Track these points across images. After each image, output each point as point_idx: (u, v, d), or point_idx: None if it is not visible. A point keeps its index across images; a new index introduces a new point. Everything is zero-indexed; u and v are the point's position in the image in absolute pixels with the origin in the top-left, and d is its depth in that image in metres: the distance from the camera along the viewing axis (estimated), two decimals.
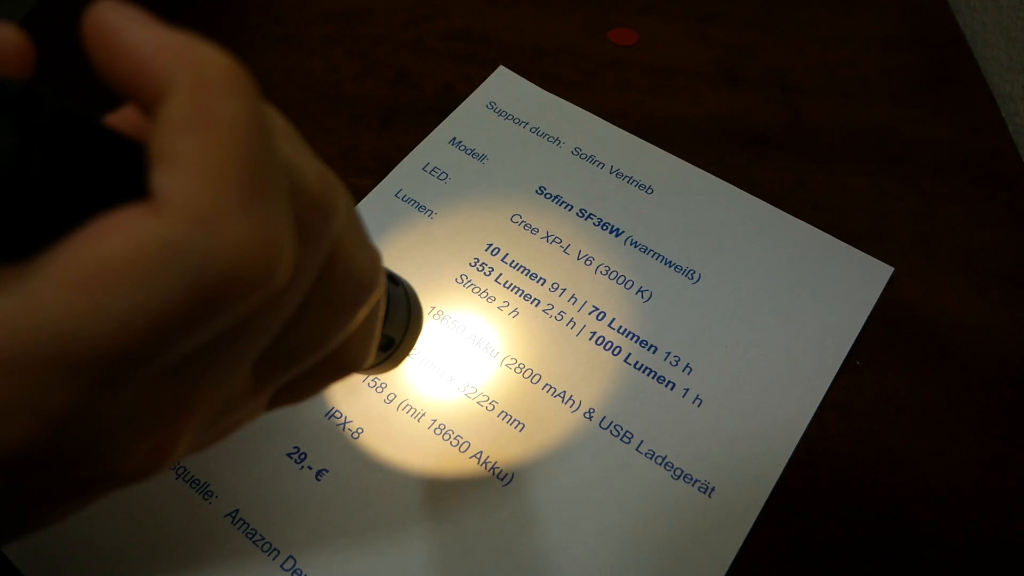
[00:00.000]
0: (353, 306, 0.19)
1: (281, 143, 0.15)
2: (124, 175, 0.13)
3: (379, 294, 0.20)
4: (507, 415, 0.35)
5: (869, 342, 0.39)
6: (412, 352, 0.28)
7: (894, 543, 0.32)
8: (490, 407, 0.35)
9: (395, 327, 0.25)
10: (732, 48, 0.54)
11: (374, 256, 0.20)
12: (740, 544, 0.32)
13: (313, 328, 0.18)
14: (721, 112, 0.49)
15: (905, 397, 0.37)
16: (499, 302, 0.39)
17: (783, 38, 0.55)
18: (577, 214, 0.42)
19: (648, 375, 0.36)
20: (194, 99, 0.13)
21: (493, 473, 0.33)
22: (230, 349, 0.15)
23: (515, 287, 0.39)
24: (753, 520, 0.32)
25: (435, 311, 0.38)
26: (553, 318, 0.38)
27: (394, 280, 0.25)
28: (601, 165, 0.44)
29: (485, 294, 0.39)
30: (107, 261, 0.12)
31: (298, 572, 0.31)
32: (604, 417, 0.35)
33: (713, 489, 0.33)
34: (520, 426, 0.34)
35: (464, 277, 0.39)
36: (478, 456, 0.34)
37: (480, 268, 0.40)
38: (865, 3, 0.58)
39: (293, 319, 0.17)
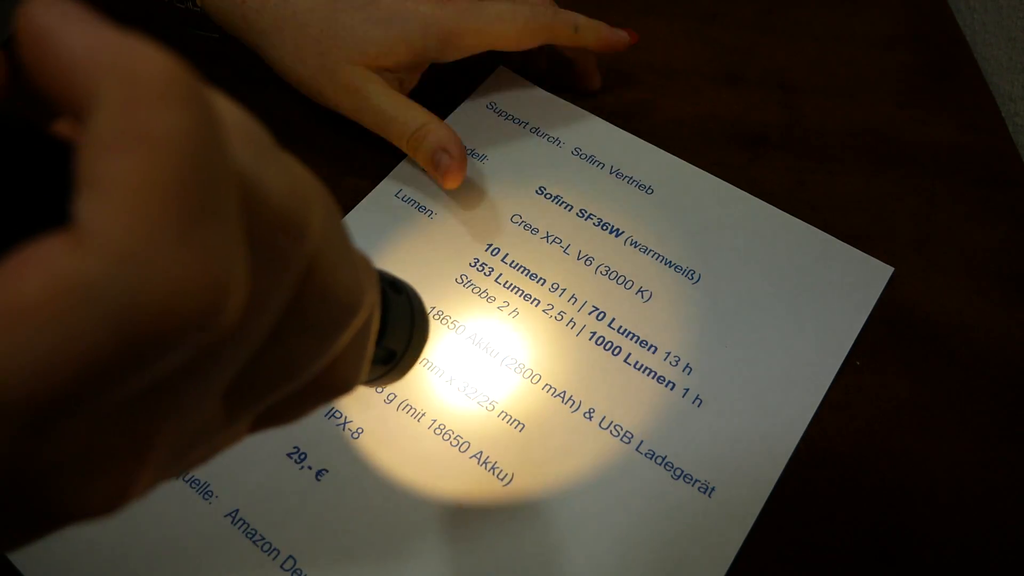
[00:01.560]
0: (334, 330, 0.17)
1: (239, 152, 0.13)
2: (57, 192, 0.11)
3: (366, 313, 0.19)
4: (507, 415, 0.35)
5: (869, 342, 0.39)
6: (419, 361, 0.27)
7: (894, 544, 0.32)
8: (490, 407, 0.35)
9: (397, 339, 0.23)
10: (732, 48, 0.54)
11: (360, 272, 0.18)
12: (740, 544, 0.32)
13: (288, 356, 0.16)
14: (721, 112, 0.49)
15: (905, 397, 0.37)
16: (499, 302, 0.39)
17: (783, 38, 0.55)
18: (577, 214, 0.42)
19: (648, 375, 0.36)
20: (123, 112, 0.11)
21: (493, 473, 0.33)
22: (185, 386, 0.14)
23: (515, 287, 0.39)
24: (753, 520, 0.32)
25: (435, 311, 0.38)
26: (553, 318, 0.38)
27: (396, 288, 0.24)
28: (601, 165, 0.44)
29: (485, 294, 0.39)
30: (19, 302, 0.11)
31: (299, 572, 0.31)
32: (604, 417, 0.35)
33: (713, 489, 0.33)
34: (520, 426, 0.34)
35: (464, 277, 0.39)
36: (478, 456, 0.34)
37: (480, 268, 0.40)
38: (865, 3, 0.57)
39: (263, 348, 0.15)
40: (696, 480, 0.33)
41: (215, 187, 0.12)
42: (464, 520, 0.32)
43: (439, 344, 0.37)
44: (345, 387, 0.19)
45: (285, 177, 0.15)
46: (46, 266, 0.11)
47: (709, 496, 0.33)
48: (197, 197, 0.11)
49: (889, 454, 0.35)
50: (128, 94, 0.11)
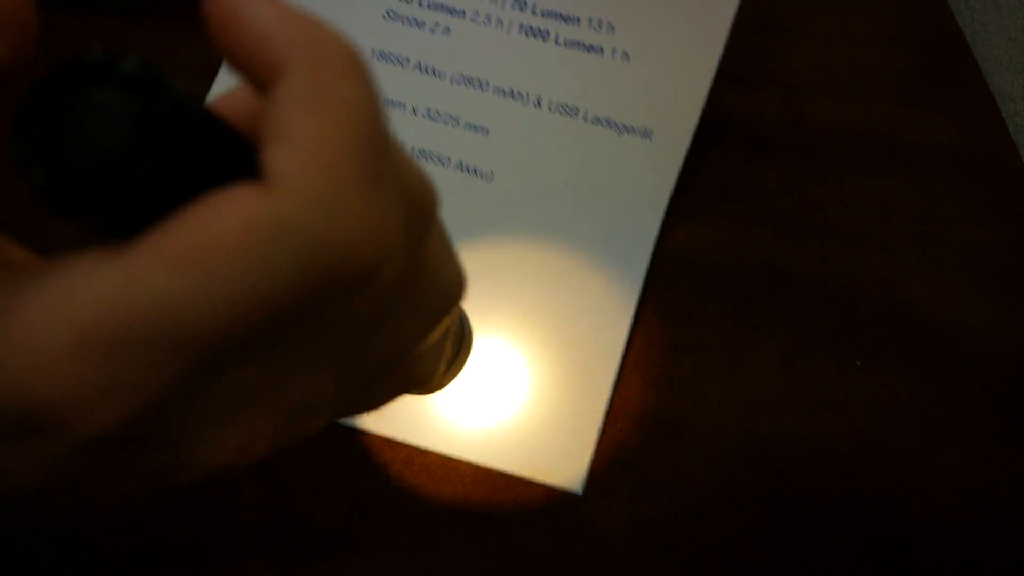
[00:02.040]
0: (436, 316, 0.18)
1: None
2: (233, 160, 0.13)
3: (457, 309, 0.19)
4: (470, 124, 0.38)
5: (869, 342, 0.39)
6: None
7: (894, 543, 0.32)
8: (454, 123, 0.39)
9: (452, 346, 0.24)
10: (732, 48, 0.54)
11: (460, 266, 0.18)
12: (679, 170, 0.38)
13: (395, 337, 0.17)
14: (721, 112, 0.49)
15: (905, 397, 0.37)
16: (429, 25, 0.41)
17: (783, 38, 0.55)
18: None
19: (577, 48, 0.38)
20: (314, 77, 0.13)
21: (475, 174, 0.37)
22: (327, 344, 0.15)
23: (439, 6, 0.41)
24: (686, 150, 0.38)
25: (376, 53, 0.41)
26: (482, 24, 0.40)
27: None
28: None
29: (414, 21, 0.41)
30: (216, 240, 0.11)
31: None
32: (551, 100, 0.38)
33: (651, 132, 0.37)
34: (485, 132, 0.38)
35: (391, 12, 0.41)
36: (460, 164, 0.37)
37: None
38: (865, 3, 0.57)
39: (379, 326, 0.16)
40: (636, 129, 0.37)
41: (385, 154, 0.13)
42: (448, 216, 0.34)
43: (387, 79, 0.40)
44: (423, 381, 0.20)
45: (416, 166, 0.15)
46: (241, 207, 0.12)
47: (650, 139, 0.37)
48: (374, 159, 0.13)
49: (889, 454, 0.35)
50: (319, 62, 0.13)
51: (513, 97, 0.38)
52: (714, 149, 0.47)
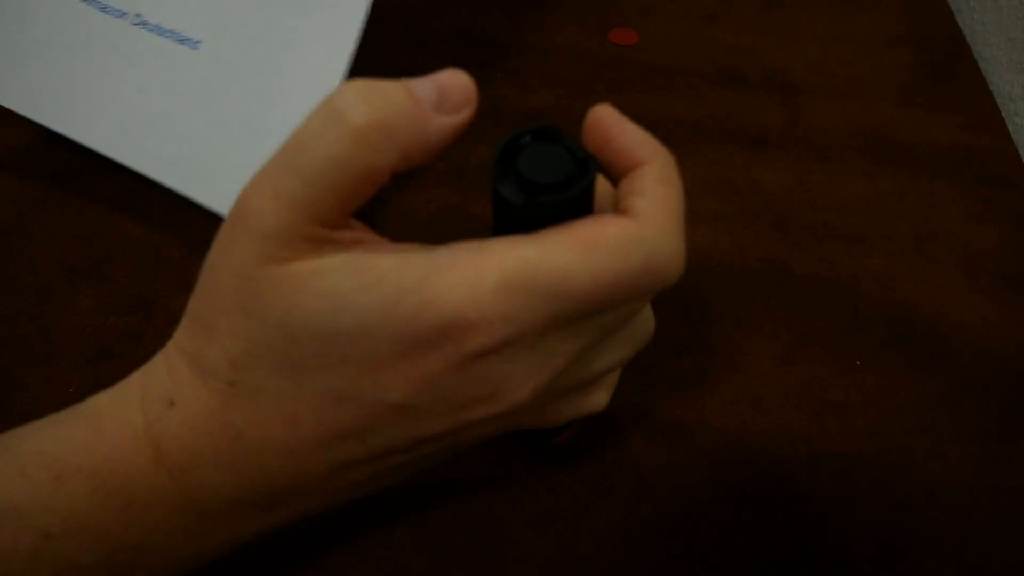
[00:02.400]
0: (633, 349, 0.26)
1: None
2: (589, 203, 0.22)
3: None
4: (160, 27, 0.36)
5: (869, 342, 0.39)
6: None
7: (894, 543, 0.32)
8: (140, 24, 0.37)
9: None
10: (732, 48, 0.54)
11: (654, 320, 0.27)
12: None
13: (610, 354, 0.25)
14: (721, 112, 0.49)
15: (905, 397, 0.37)
16: None
17: (783, 38, 0.55)
18: None
19: None
20: (664, 168, 0.22)
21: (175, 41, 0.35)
22: (606, 334, 0.23)
23: None
24: None
25: None
26: None
27: None
28: None
29: None
30: (603, 238, 0.20)
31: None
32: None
33: None
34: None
35: None
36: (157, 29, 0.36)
37: None
38: (865, 3, 0.58)
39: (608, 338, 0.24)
40: None
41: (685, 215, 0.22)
42: None
43: None
44: (597, 407, 0.27)
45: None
46: (619, 224, 0.20)
47: None
48: (684, 216, 0.22)
49: (889, 454, 0.35)
50: (666, 161, 0.22)
51: None
52: (714, 149, 0.47)
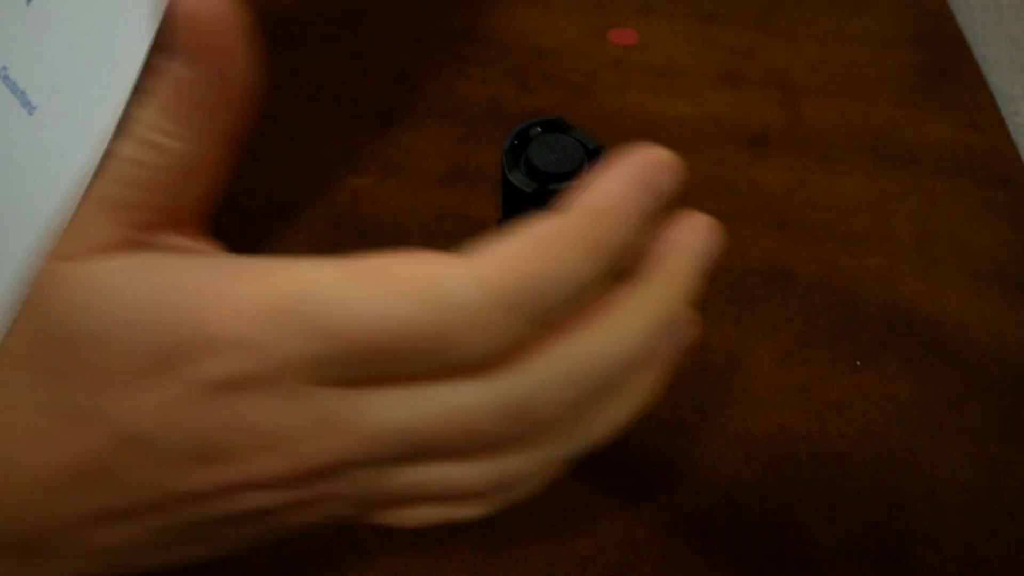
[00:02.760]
0: (496, 476, 0.21)
1: None
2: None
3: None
4: None
5: (869, 342, 0.39)
6: None
7: (894, 543, 0.32)
8: None
9: None
10: (732, 48, 0.54)
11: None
12: None
13: (438, 467, 0.19)
14: (721, 112, 0.49)
15: (905, 397, 0.37)
16: None
17: (783, 38, 0.55)
18: None
19: None
20: (580, 223, 0.17)
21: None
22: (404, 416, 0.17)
23: None
24: None
25: None
26: None
27: None
28: None
29: None
30: (409, 270, 0.16)
31: None
32: None
33: None
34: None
35: None
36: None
37: None
38: (865, 3, 0.58)
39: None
40: None
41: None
42: None
43: None
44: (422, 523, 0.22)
45: None
46: (432, 263, 0.17)
47: None
48: (553, 288, 0.17)
49: (889, 454, 0.35)
50: (587, 220, 0.17)
51: None
52: (714, 149, 0.47)
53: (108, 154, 0.18)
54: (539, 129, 0.23)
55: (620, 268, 0.18)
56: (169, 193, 0.18)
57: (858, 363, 0.38)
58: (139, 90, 0.18)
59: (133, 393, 0.17)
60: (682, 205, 0.47)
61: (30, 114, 0.25)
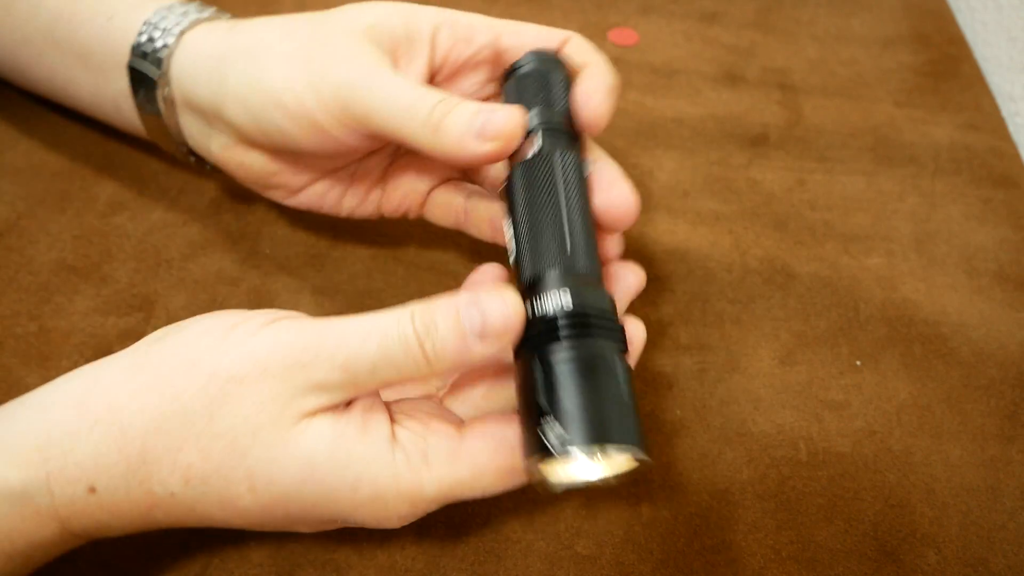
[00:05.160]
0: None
1: None
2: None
3: None
4: None
5: (869, 342, 0.39)
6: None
7: (894, 543, 0.32)
8: None
9: None
10: (732, 48, 0.54)
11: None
12: None
13: None
14: (721, 112, 0.49)
15: (905, 397, 0.37)
16: None
17: (783, 38, 0.55)
18: None
19: None
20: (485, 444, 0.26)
21: None
22: None
23: None
24: None
25: None
26: None
27: None
28: None
29: None
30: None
31: None
32: None
33: None
34: None
35: None
36: None
37: None
38: (865, 3, 0.58)
39: None
40: None
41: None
42: None
43: None
44: None
45: None
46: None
47: None
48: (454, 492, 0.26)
49: (889, 454, 0.35)
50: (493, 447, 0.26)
51: None
52: (714, 149, 0.47)
53: (364, 358, 0.24)
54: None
55: None
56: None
57: (858, 363, 0.38)
58: None
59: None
60: (683, 205, 0.47)
61: None
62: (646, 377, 0.37)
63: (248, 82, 0.30)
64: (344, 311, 0.38)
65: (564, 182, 0.27)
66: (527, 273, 0.26)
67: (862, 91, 0.51)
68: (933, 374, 0.38)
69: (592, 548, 0.32)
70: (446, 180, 0.36)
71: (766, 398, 0.36)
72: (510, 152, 0.28)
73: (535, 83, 0.31)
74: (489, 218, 0.34)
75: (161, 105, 0.33)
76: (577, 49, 0.32)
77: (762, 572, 0.31)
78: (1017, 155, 0.48)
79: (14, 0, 0.36)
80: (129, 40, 0.33)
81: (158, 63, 0.33)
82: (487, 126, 0.27)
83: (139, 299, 0.38)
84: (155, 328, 0.38)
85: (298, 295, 0.39)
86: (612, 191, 0.29)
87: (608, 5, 0.56)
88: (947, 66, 0.53)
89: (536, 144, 0.29)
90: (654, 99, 0.50)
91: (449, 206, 0.35)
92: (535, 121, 0.29)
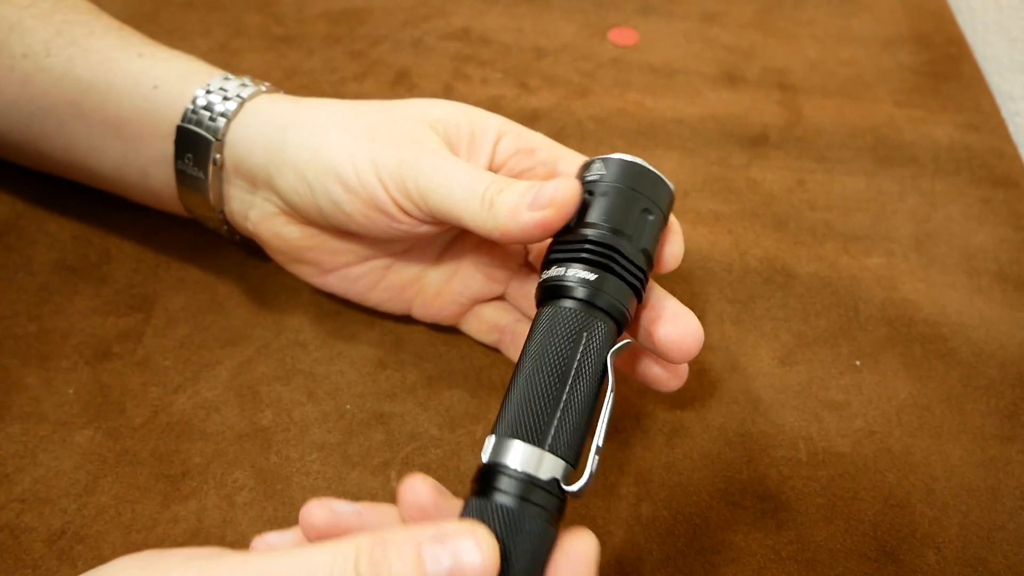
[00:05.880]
0: None
1: None
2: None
3: None
4: None
5: (869, 342, 0.39)
6: None
7: (894, 543, 0.32)
8: None
9: None
10: (732, 48, 0.54)
11: None
12: None
13: None
14: (721, 112, 0.49)
15: (905, 397, 0.37)
16: None
17: (783, 38, 0.55)
18: None
19: None
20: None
21: None
22: None
23: None
24: None
25: None
26: None
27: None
28: None
29: None
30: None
31: None
32: None
33: None
34: None
35: None
36: None
37: None
38: (865, 3, 0.58)
39: None
40: None
41: None
42: None
43: None
44: None
45: None
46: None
47: None
48: None
49: (889, 454, 0.35)
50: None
51: None
52: (714, 149, 0.47)
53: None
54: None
55: None
56: None
57: (858, 363, 0.38)
58: None
59: None
60: (682, 205, 0.47)
61: None
62: None
63: (309, 149, 0.31)
64: (342, 311, 0.38)
65: (579, 363, 0.26)
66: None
67: (862, 91, 0.51)
68: (933, 374, 0.38)
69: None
70: (492, 298, 0.36)
71: (766, 398, 0.36)
72: (563, 220, 0.27)
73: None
74: None
75: (209, 169, 0.33)
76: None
77: (762, 572, 0.31)
78: (1017, 155, 0.48)
79: (35, 72, 0.35)
80: (179, 106, 0.33)
81: (214, 129, 0.32)
82: (539, 195, 0.27)
83: (139, 299, 0.38)
84: (154, 327, 0.38)
85: (297, 295, 0.39)
86: (679, 323, 0.28)
87: (608, 5, 0.56)
88: (947, 66, 0.53)
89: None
90: (654, 99, 0.50)
91: (494, 323, 0.35)
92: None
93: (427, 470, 0.33)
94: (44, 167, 0.39)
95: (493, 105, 0.49)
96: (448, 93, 0.49)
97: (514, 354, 0.34)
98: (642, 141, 0.47)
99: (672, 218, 0.30)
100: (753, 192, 0.45)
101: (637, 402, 0.36)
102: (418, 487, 0.24)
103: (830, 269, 0.42)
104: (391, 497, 0.33)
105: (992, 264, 0.42)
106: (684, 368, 0.31)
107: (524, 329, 0.33)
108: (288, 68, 0.50)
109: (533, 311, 0.28)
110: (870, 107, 0.50)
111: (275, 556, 0.20)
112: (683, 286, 0.40)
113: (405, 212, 0.30)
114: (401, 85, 0.50)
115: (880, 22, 0.56)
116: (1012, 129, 0.50)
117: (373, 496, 0.33)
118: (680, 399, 0.36)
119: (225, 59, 0.50)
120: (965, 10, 0.58)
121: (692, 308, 0.39)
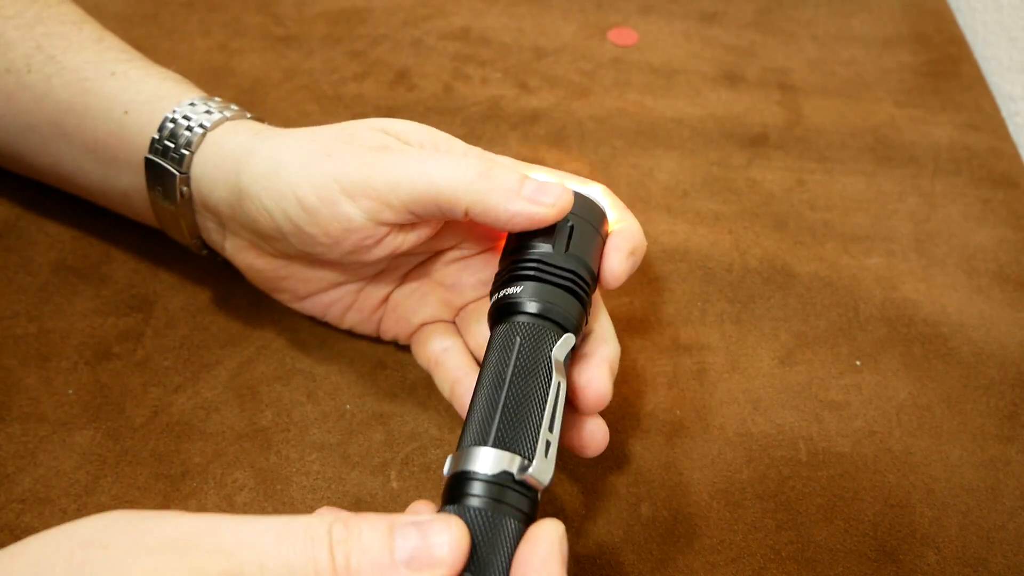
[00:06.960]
0: None
1: None
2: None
3: None
4: None
5: (869, 342, 0.39)
6: None
7: (894, 543, 0.32)
8: None
9: None
10: (732, 48, 0.54)
11: None
12: None
13: None
14: (721, 112, 0.49)
15: (905, 397, 0.37)
16: None
17: (783, 38, 0.55)
18: None
19: None
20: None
21: None
22: None
23: None
24: None
25: None
26: None
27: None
28: None
29: None
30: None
31: None
32: None
33: None
34: None
35: None
36: None
37: None
38: (865, 3, 0.58)
39: None
40: None
41: None
42: None
43: None
44: None
45: None
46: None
47: None
48: None
49: (889, 454, 0.35)
50: None
51: None
52: (714, 149, 0.47)
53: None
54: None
55: None
56: None
57: (858, 363, 0.38)
58: None
59: None
60: (682, 205, 0.47)
61: None
62: (646, 377, 0.37)
63: (264, 176, 0.30)
64: None
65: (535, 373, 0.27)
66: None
67: (862, 91, 0.51)
68: (933, 374, 0.38)
69: (592, 548, 0.32)
70: (439, 320, 0.35)
71: (766, 398, 0.36)
72: (553, 222, 0.28)
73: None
74: (452, 380, 0.33)
75: (178, 202, 0.33)
76: (608, 203, 0.32)
77: (762, 572, 0.31)
78: (1017, 155, 0.48)
79: (17, 90, 0.34)
80: (147, 135, 0.32)
81: (179, 161, 0.32)
82: (541, 191, 0.28)
83: (138, 299, 0.38)
84: (154, 328, 0.38)
85: None
86: (592, 378, 0.29)
87: (608, 5, 0.56)
88: (947, 66, 0.53)
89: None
90: (654, 99, 0.50)
91: (426, 349, 0.34)
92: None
93: (427, 470, 0.33)
94: (39, 179, 0.39)
95: (493, 105, 0.49)
96: (448, 93, 0.49)
97: (438, 383, 0.34)
98: (642, 141, 0.47)
99: (618, 236, 0.30)
100: (753, 192, 0.45)
101: (637, 402, 0.36)
102: (420, 509, 0.25)
103: (830, 269, 0.42)
104: (391, 497, 0.33)
105: (992, 264, 0.42)
106: (599, 433, 0.30)
107: (449, 360, 0.33)
108: (288, 68, 0.50)
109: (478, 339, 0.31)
110: (870, 107, 0.50)
111: (260, 516, 0.22)
112: (683, 286, 0.40)
113: (376, 221, 0.29)
114: (401, 85, 0.50)
115: (880, 22, 0.56)
116: (1012, 129, 0.50)
117: (373, 496, 0.33)
118: (680, 399, 0.36)
119: (225, 59, 0.50)
120: (965, 10, 0.58)
121: (692, 308, 0.40)
